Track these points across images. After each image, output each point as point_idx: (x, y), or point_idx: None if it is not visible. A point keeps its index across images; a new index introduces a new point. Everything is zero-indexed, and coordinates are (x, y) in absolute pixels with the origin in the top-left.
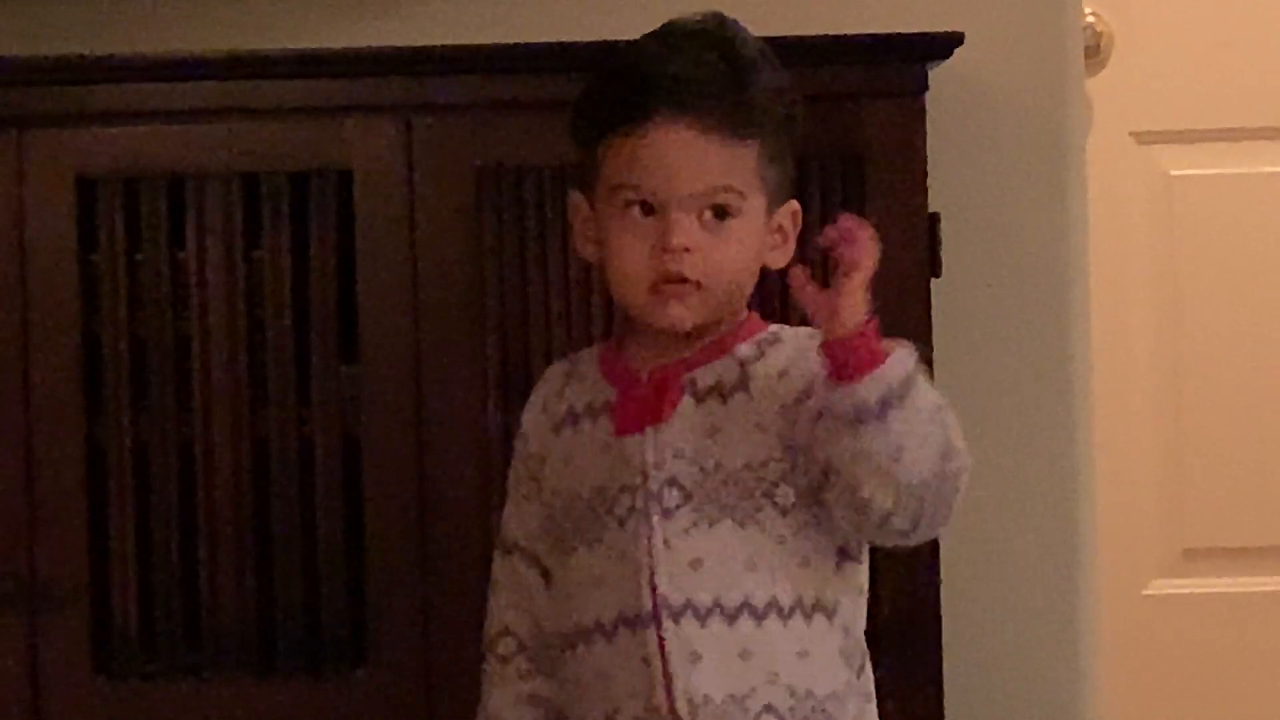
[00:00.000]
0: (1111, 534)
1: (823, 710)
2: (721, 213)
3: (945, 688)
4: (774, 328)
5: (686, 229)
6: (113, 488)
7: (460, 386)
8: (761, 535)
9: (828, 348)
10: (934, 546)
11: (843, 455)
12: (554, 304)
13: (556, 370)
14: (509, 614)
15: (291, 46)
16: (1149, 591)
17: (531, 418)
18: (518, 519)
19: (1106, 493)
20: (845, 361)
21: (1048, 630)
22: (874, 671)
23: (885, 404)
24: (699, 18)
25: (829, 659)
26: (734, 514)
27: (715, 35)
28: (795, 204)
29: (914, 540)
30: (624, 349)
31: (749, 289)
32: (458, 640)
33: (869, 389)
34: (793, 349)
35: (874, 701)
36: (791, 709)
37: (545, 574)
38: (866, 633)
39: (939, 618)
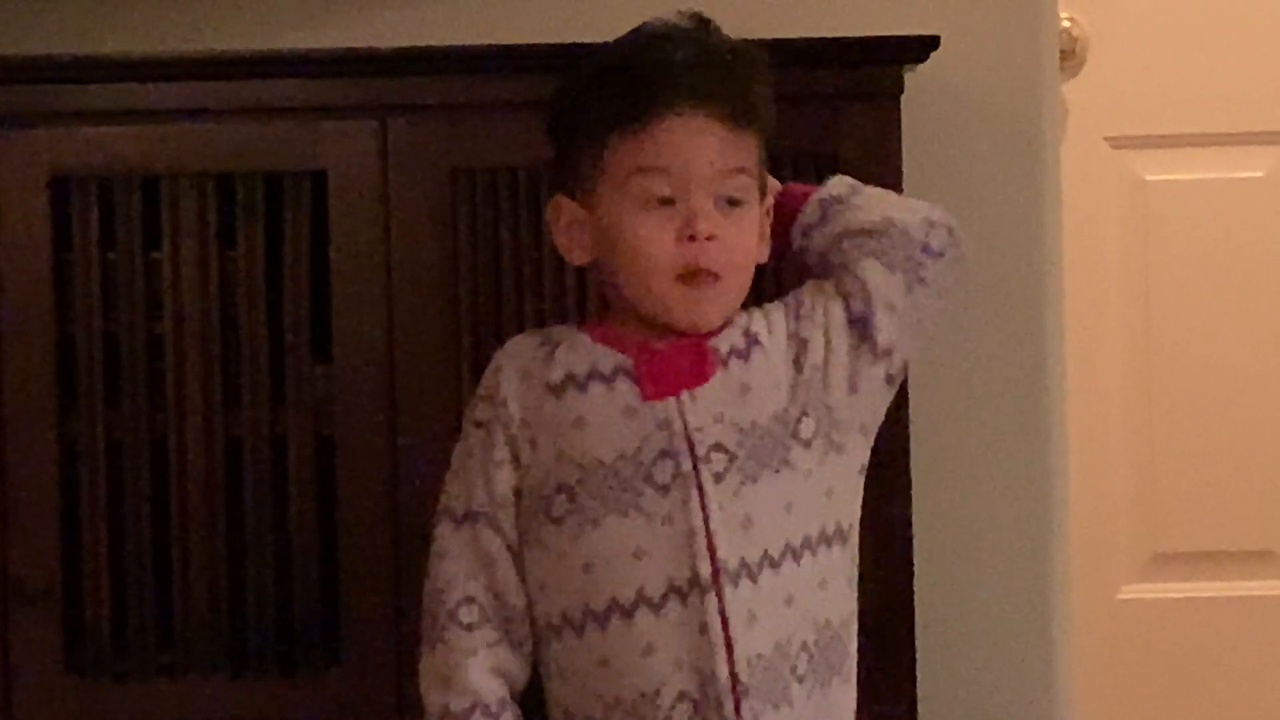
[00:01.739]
0: (1084, 539)
1: (837, 637)
2: (734, 201)
3: (918, 691)
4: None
5: (710, 216)
6: (85, 486)
7: (434, 386)
8: (793, 474)
9: (786, 196)
10: (906, 550)
11: (847, 249)
12: (528, 304)
13: (525, 341)
14: (469, 584)
15: (266, 47)
16: (1121, 596)
17: (511, 386)
18: (481, 486)
19: (1079, 498)
20: (803, 192)
21: (1020, 635)
22: None
23: (853, 189)
24: (682, 17)
25: (842, 586)
26: (770, 464)
27: (707, 30)
28: (771, 200)
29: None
30: (611, 329)
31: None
32: None
33: (831, 187)
34: (771, 313)
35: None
36: (817, 641)
37: (509, 546)
38: None
39: (912, 622)
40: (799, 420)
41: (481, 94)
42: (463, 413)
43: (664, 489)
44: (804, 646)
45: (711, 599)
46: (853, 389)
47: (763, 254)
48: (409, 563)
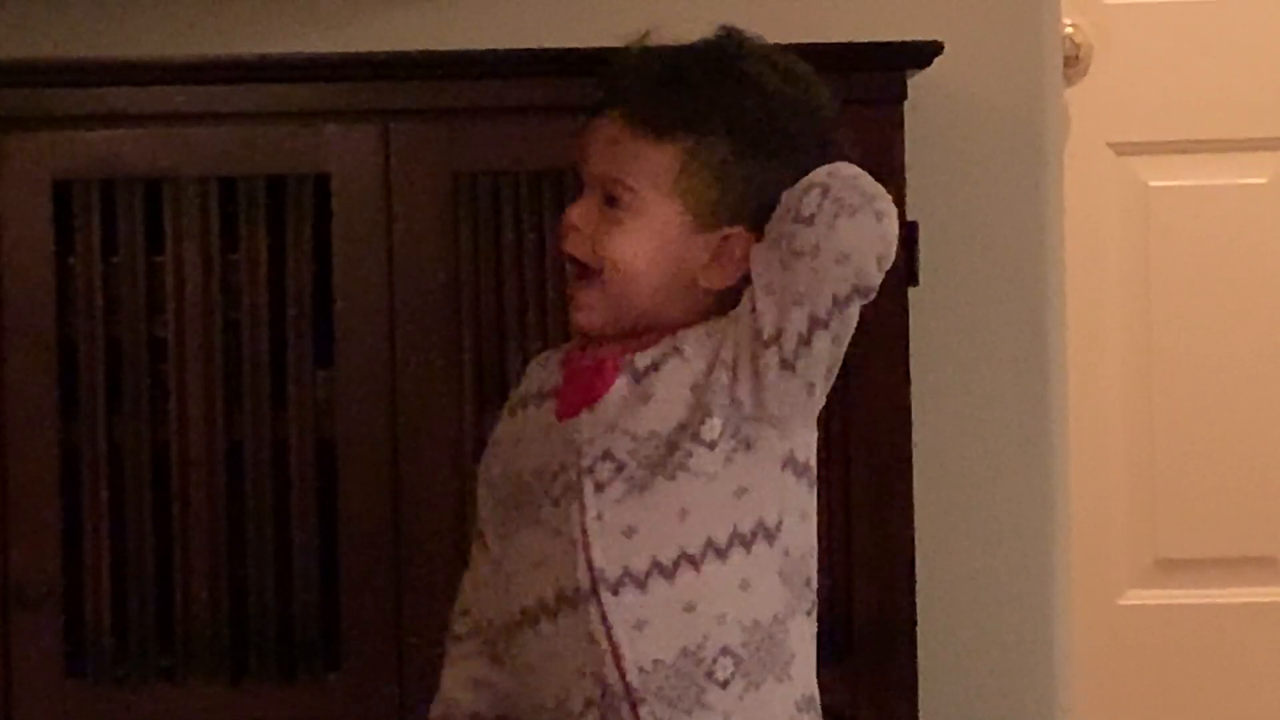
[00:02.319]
0: (1085, 545)
1: (770, 637)
2: (613, 200)
3: (920, 698)
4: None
5: (582, 207)
6: (87, 490)
7: (436, 390)
8: (692, 480)
9: None
10: (909, 556)
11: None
12: (530, 308)
13: (535, 360)
14: (468, 595)
15: (270, 51)
16: (1122, 602)
17: (504, 409)
18: (479, 506)
19: (1080, 503)
20: None
21: (1022, 640)
22: (849, 681)
23: None
24: (716, 31)
25: (769, 583)
26: (664, 470)
27: (692, 43)
28: (743, 230)
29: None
30: (592, 341)
31: (659, 296)
32: (431, 645)
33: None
34: (717, 323)
35: (815, 620)
36: (744, 644)
37: (496, 562)
38: (841, 643)
39: (914, 628)
40: (702, 422)
41: (484, 98)
42: (464, 419)
43: (556, 501)
44: (725, 650)
45: (594, 608)
46: (758, 379)
47: (712, 279)
48: (409, 568)
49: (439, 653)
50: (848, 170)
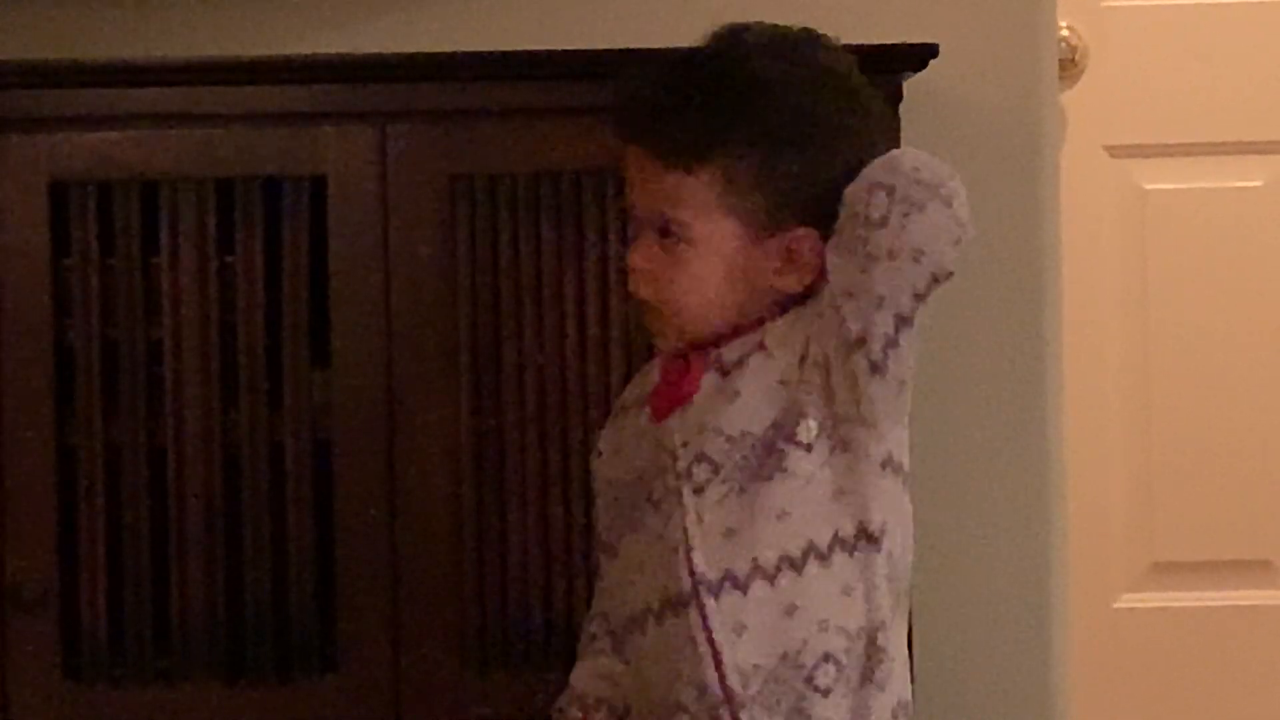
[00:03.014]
0: (1082, 548)
1: (872, 644)
2: (667, 233)
3: (916, 699)
4: None
5: (643, 249)
6: (83, 492)
7: (432, 392)
8: (789, 481)
9: None
10: None
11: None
12: (526, 310)
13: (647, 366)
14: (601, 600)
15: (266, 53)
16: (1119, 605)
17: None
18: (598, 512)
19: (1077, 506)
20: None
21: (1018, 643)
22: None
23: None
24: (715, 33)
25: (875, 588)
26: (761, 472)
27: (694, 55)
28: (806, 230)
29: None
30: (682, 351)
31: (733, 308)
32: (427, 646)
33: None
34: (800, 315)
35: (906, 620)
36: (847, 650)
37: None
38: None
39: (909, 629)
40: (798, 423)
41: (481, 100)
42: (460, 421)
43: (656, 505)
44: (827, 657)
45: (694, 611)
46: (850, 382)
47: (789, 285)
48: (406, 569)
49: (438, 660)
50: (907, 163)
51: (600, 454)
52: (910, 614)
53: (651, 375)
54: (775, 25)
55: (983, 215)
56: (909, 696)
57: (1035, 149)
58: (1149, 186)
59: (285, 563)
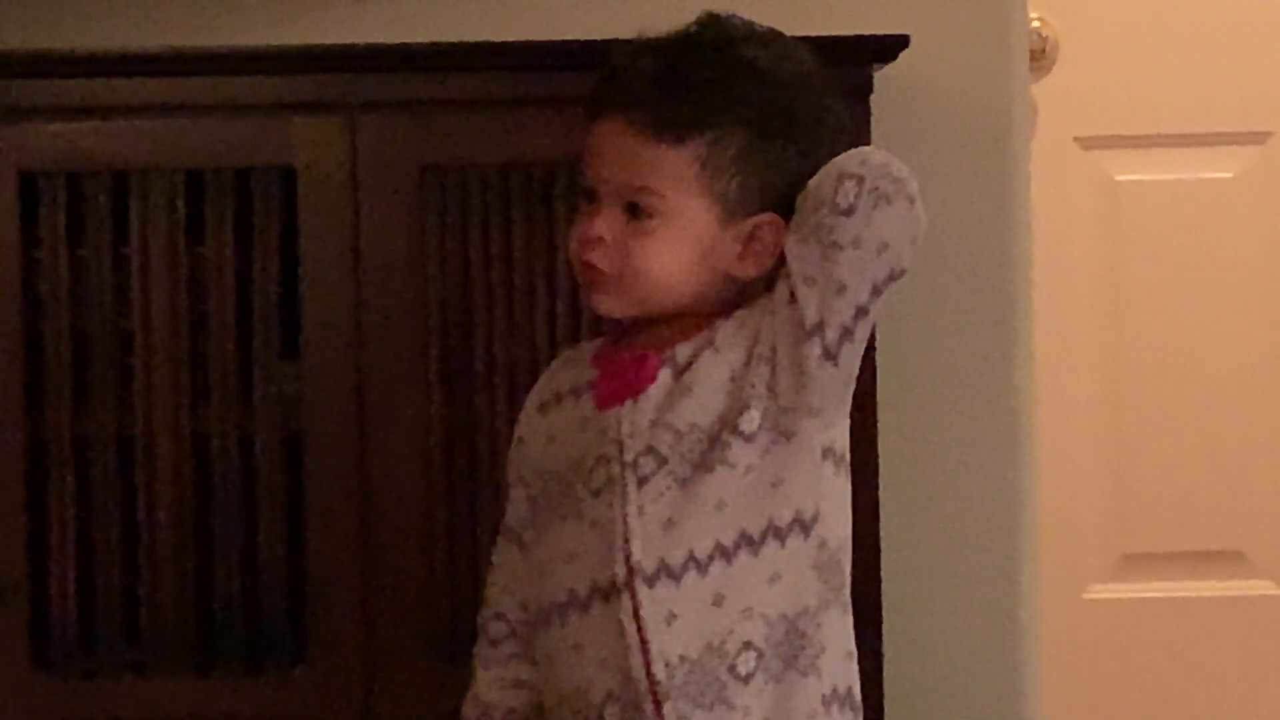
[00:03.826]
0: (1053, 539)
1: (794, 630)
2: (635, 210)
3: (885, 689)
4: None
5: (606, 219)
6: (53, 483)
7: (402, 383)
8: (729, 472)
9: None
10: (874, 550)
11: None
12: (497, 301)
13: (560, 359)
14: (501, 599)
15: (236, 43)
16: (1089, 596)
17: (527, 405)
18: (511, 505)
19: (1048, 498)
20: None
21: (989, 634)
22: None
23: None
24: (700, 19)
25: (801, 576)
26: (703, 463)
27: (686, 36)
28: (771, 216)
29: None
30: (624, 336)
31: (689, 289)
32: (398, 638)
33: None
34: (751, 312)
35: (850, 613)
36: (767, 638)
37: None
38: None
39: (880, 622)
40: (740, 415)
41: (451, 91)
42: (431, 412)
43: (597, 493)
44: (748, 645)
45: (626, 600)
46: (798, 370)
47: (746, 270)
48: (376, 561)
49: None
50: (878, 157)
51: (522, 442)
52: (880, 606)
53: (580, 368)
54: (749, 20)
55: (953, 206)
56: (850, 686)
57: (1006, 140)
58: (1120, 178)
59: (255, 554)
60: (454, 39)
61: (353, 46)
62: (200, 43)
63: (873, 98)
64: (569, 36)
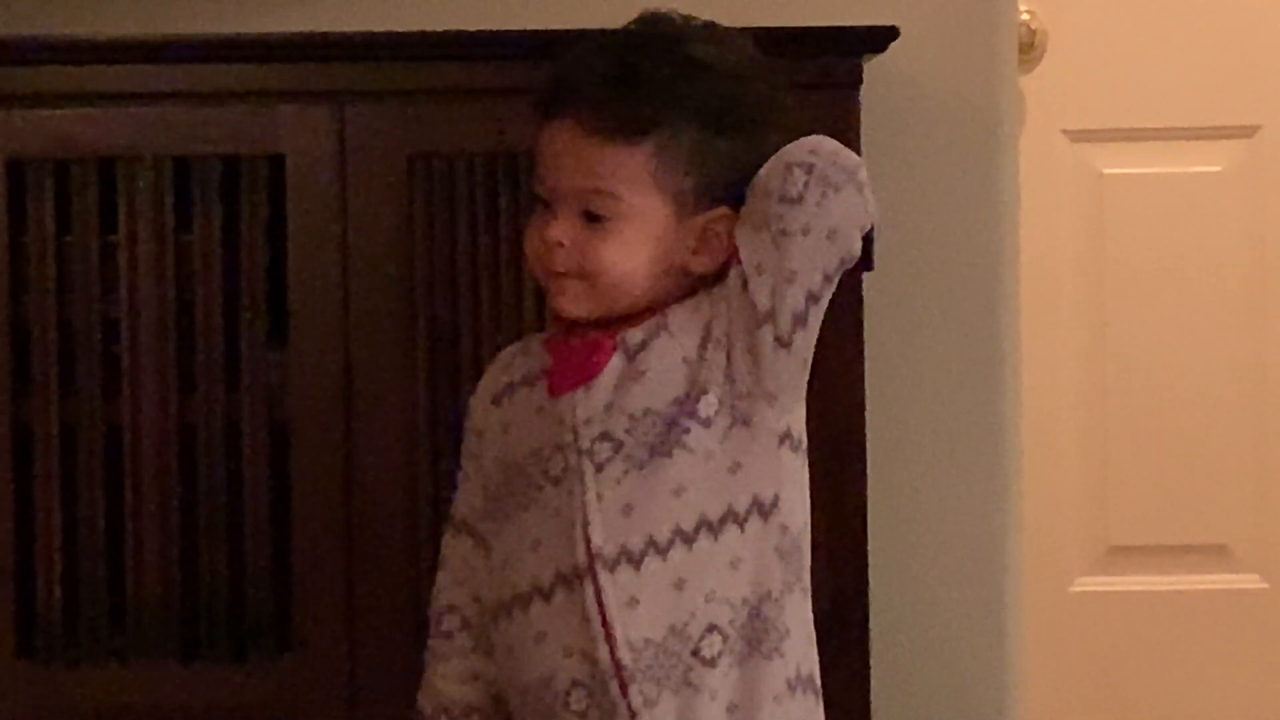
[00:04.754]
0: (1037, 532)
1: (757, 614)
2: (592, 215)
3: (872, 683)
4: None
5: (563, 224)
6: (39, 471)
7: (389, 373)
8: (688, 457)
9: None
10: (860, 544)
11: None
12: (484, 290)
13: (505, 353)
14: (454, 591)
15: (224, 31)
16: (1075, 588)
17: (476, 399)
18: (464, 497)
19: (1033, 491)
20: None
21: (974, 626)
22: None
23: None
24: (643, 18)
25: (763, 561)
26: (661, 448)
27: (632, 36)
28: (725, 210)
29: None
30: (576, 324)
31: (650, 286)
32: (383, 626)
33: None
34: (703, 298)
35: (809, 597)
36: (731, 621)
37: (488, 551)
38: None
39: (866, 615)
40: (698, 399)
41: (439, 80)
42: (418, 401)
43: (556, 481)
44: (712, 628)
45: (589, 586)
46: (754, 357)
47: (700, 264)
48: (362, 550)
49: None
50: (827, 146)
51: (480, 435)
52: (866, 600)
53: (532, 358)
54: (689, 15)
55: (941, 198)
56: (812, 670)
57: (994, 132)
58: (1107, 171)
59: (241, 542)
60: (442, 28)
61: (341, 35)
62: (188, 30)
63: (861, 89)
64: (557, 26)
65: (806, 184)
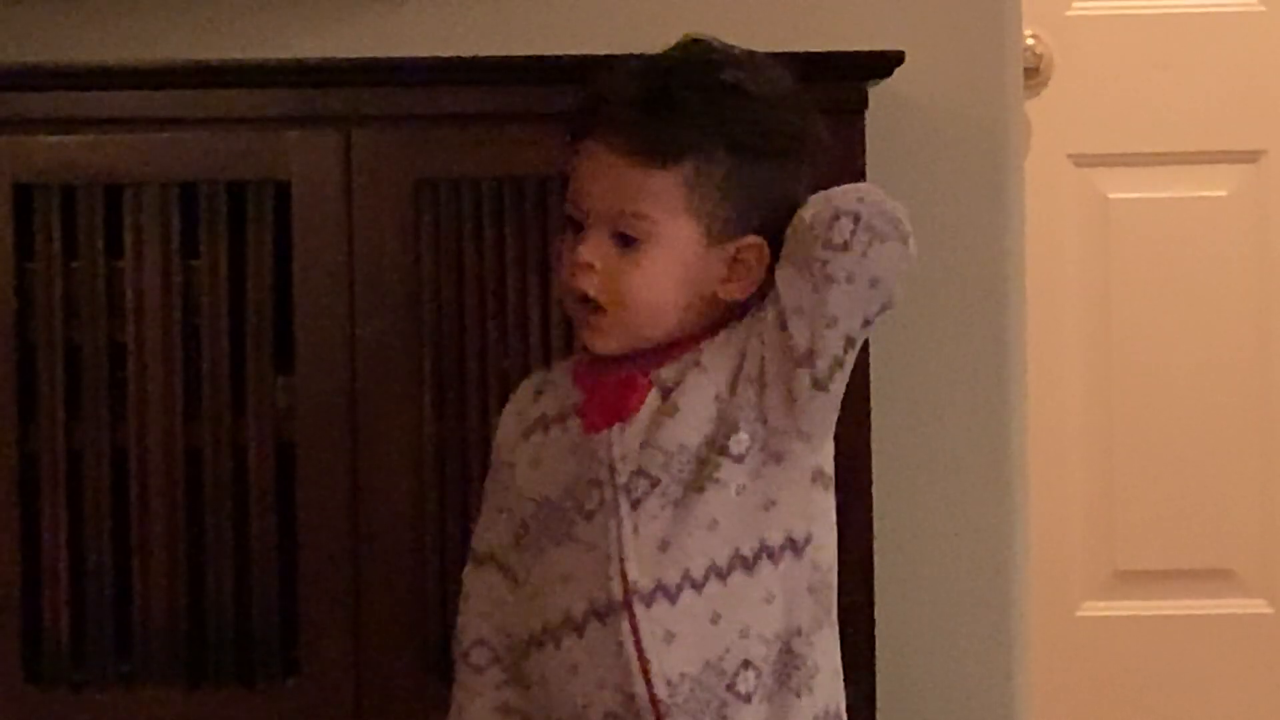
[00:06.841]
0: (1043, 556)
1: (789, 650)
2: (625, 239)
3: (878, 708)
4: None
5: (594, 246)
6: (45, 495)
7: (395, 398)
8: (721, 491)
9: None
10: (867, 566)
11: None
12: (490, 316)
13: (529, 383)
14: (483, 625)
15: (231, 57)
16: (1080, 613)
17: (504, 430)
18: (492, 530)
19: (1039, 515)
20: None
21: (981, 651)
22: None
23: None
24: (681, 43)
25: (795, 597)
26: (694, 484)
27: (668, 60)
28: (756, 239)
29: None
30: (589, 362)
31: (680, 318)
32: (389, 652)
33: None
34: (735, 331)
35: (838, 631)
36: (765, 657)
37: (517, 584)
38: None
39: (872, 638)
40: (729, 436)
41: (447, 105)
42: (423, 426)
43: (589, 516)
44: (747, 664)
45: (624, 620)
46: (789, 396)
47: (731, 292)
48: (368, 574)
49: (400, 665)
50: (874, 195)
51: (509, 466)
52: (873, 623)
53: (563, 391)
54: (728, 43)
55: (948, 222)
56: (839, 705)
57: (1000, 157)
58: (1113, 195)
59: (248, 567)
60: (448, 54)
61: (347, 61)
62: (195, 56)
63: (867, 113)
64: (563, 52)
65: (853, 232)
